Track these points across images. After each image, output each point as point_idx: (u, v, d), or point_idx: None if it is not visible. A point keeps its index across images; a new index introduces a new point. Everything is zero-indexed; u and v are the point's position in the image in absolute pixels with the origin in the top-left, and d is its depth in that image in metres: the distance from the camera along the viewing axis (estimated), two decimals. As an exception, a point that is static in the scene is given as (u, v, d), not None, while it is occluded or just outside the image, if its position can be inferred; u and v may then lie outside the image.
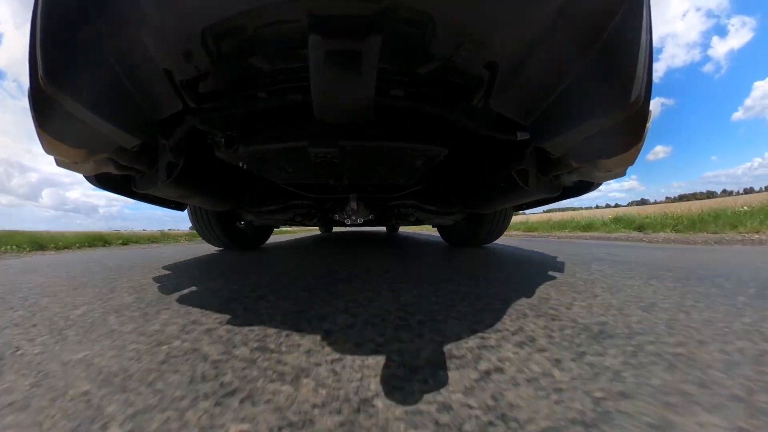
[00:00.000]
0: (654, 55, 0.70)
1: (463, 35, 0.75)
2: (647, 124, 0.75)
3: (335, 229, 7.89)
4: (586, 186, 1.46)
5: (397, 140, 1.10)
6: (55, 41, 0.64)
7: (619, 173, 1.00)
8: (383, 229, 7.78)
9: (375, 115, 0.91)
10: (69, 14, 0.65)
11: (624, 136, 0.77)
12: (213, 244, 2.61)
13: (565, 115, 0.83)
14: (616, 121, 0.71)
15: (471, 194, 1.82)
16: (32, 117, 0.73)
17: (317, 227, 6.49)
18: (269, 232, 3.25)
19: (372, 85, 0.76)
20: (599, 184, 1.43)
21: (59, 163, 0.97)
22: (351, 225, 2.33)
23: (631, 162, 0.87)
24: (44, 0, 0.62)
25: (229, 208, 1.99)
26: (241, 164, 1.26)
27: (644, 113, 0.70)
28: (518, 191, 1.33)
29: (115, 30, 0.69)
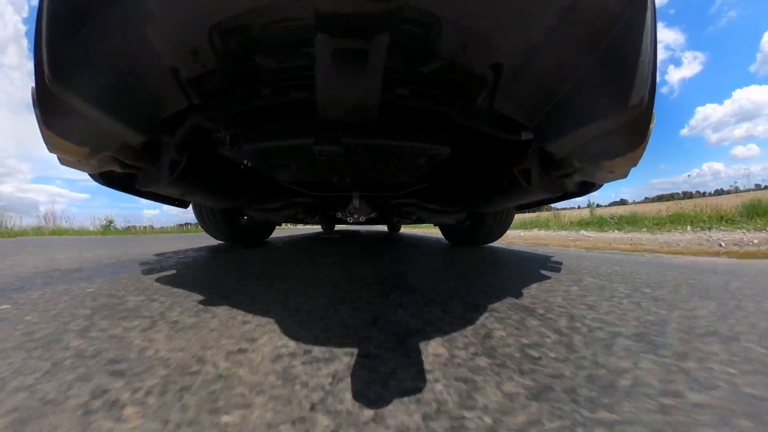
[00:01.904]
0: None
1: (468, 36, 0.75)
2: (651, 126, 0.74)
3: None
4: (587, 187, 1.45)
5: (400, 139, 1.09)
6: (60, 39, 0.63)
7: (622, 174, 0.98)
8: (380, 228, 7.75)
9: (379, 114, 0.91)
10: (75, 12, 0.64)
11: (628, 137, 0.76)
12: (217, 238, 2.63)
13: (569, 117, 0.82)
14: (620, 123, 0.70)
15: (473, 193, 1.81)
16: (36, 115, 0.73)
17: (318, 225, 6.47)
18: (272, 228, 3.29)
19: (378, 85, 0.76)
20: (601, 185, 1.42)
21: (63, 161, 0.97)
22: (353, 223, 2.32)
23: (635, 163, 0.85)
24: None
25: (232, 206, 2.00)
26: (245, 161, 1.26)
27: (648, 115, 0.69)
28: (520, 191, 1.33)
29: (121, 28, 0.69)
